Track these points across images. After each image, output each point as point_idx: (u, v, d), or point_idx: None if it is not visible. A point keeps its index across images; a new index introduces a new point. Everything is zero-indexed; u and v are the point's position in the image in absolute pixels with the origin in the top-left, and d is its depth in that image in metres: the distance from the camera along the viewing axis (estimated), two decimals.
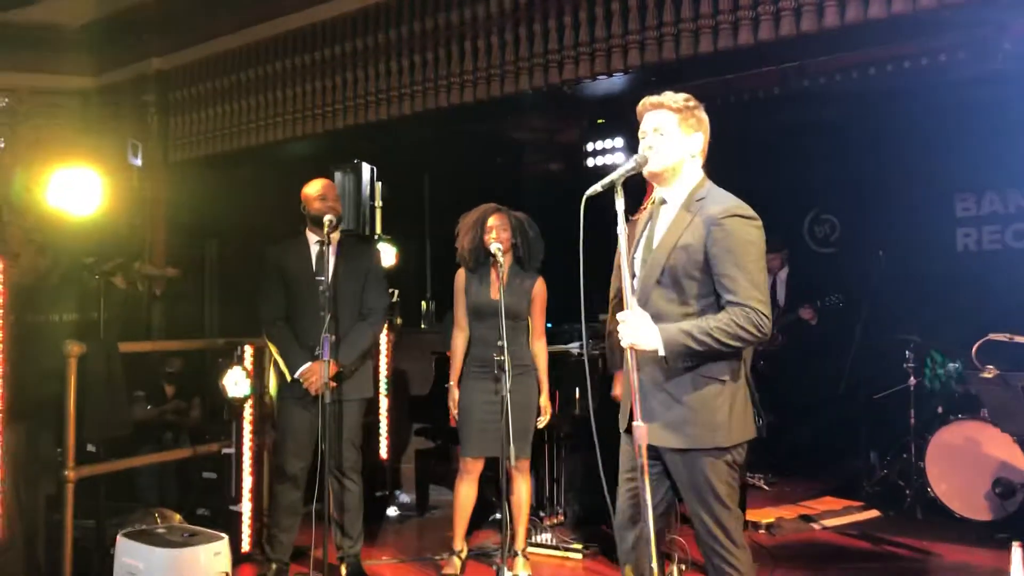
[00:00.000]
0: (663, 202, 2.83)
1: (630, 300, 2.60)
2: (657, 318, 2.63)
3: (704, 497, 2.68)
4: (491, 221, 4.33)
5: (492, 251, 4.25)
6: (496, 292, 4.24)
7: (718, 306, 2.68)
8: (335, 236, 4.36)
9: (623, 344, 2.58)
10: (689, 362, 2.65)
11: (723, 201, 2.71)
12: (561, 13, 4.96)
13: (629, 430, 2.80)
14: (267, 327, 4.36)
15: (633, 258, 2.83)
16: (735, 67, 5.30)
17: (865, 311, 6.45)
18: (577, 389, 4.91)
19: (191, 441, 5.33)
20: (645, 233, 2.85)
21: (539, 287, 4.46)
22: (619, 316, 2.61)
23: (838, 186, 7.30)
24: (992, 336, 4.36)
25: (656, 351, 2.59)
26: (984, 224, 6.89)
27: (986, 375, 4.21)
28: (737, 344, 2.60)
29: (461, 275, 4.49)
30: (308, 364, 4.16)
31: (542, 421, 4.45)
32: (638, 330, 2.57)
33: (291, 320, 4.32)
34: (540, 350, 4.47)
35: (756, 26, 4.32)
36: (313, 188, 4.36)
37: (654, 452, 2.74)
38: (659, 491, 2.82)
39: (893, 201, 6.93)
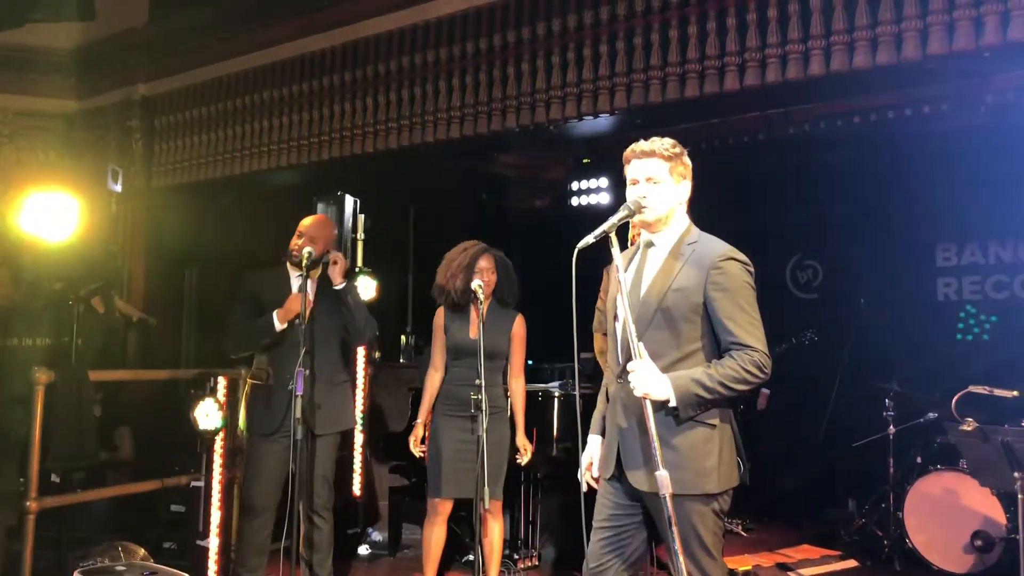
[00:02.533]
0: (650, 245, 2.82)
1: (638, 349, 2.58)
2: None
3: (689, 546, 2.61)
4: (482, 263, 4.31)
5: (473, 288, 4.21)
6: (475, 331, 4.20)
7: (710, 348, 2.69)
8: (315, 271, 4.29)
9: (636, 393, 2.55)
10: (698, 411, 2.62)
11: (718, 246, 2.74)
12: (549, 53, 4.97)
13: (613, 477, 2.76)
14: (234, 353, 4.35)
15: (616, 301, 2.80)
16: (720, 112, 5.33)
17: (845, 358, 6.44)
18: (555, 429, 4.85)
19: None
20: (631, 276, 2.83)
21: (518, 325, 4.43)
22: (629, 366, 2.58)
23: (821, 232, 7.33)
24: (972, 388, 4.35)
25: (667, 401, 2.57)
26: (964, 274, 6.92)
27: (965, 428, 4.19)
28: (744, 388, 2.60)
29: (440, 314, 4.44)
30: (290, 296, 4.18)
31: (524, 459, 4.38)
32: (648, 379, 2.55)
33: (268, 353, 4.26)
34: (518, 387, 4.41)
35: (742, 72, 4.34)
36: (300, 223, 4.34)
37: (637, 497, 2.71)
38: (636, 539, 2.78)
39: (875, 249, 6.97)
